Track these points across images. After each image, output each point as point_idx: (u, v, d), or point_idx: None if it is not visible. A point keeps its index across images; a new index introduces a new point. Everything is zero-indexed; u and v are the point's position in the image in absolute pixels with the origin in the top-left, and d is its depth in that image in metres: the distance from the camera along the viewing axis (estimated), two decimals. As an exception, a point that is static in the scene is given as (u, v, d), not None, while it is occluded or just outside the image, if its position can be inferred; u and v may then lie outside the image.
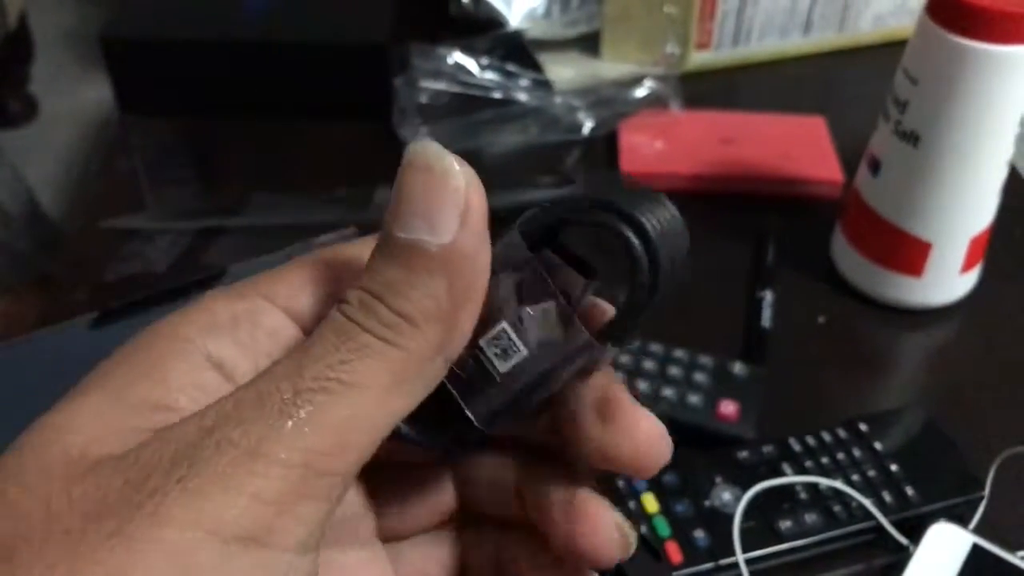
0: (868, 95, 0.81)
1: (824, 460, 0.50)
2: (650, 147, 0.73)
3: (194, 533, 0.18)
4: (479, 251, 0.21)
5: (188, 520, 0.18)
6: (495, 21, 0.81)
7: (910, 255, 0.59)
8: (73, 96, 1.83)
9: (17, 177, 1.08)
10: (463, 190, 0.21)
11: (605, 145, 0.75)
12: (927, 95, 0.55)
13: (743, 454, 0.50)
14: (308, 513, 0.20)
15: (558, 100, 0.76)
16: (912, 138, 0.56)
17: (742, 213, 0.69)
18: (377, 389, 0.20)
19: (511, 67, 0.78)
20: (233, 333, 0.22)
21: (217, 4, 0.76)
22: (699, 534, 0.47)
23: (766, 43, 0.84)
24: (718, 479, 0.49)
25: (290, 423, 0.20)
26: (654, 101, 0.77)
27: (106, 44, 0.72)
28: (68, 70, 1.90)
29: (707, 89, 0.81)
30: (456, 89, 0.77)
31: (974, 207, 0.58)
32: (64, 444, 0.19)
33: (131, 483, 0.18)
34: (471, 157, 0.76)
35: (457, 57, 0.77)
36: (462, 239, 0.21)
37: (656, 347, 0.56)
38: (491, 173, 0.74)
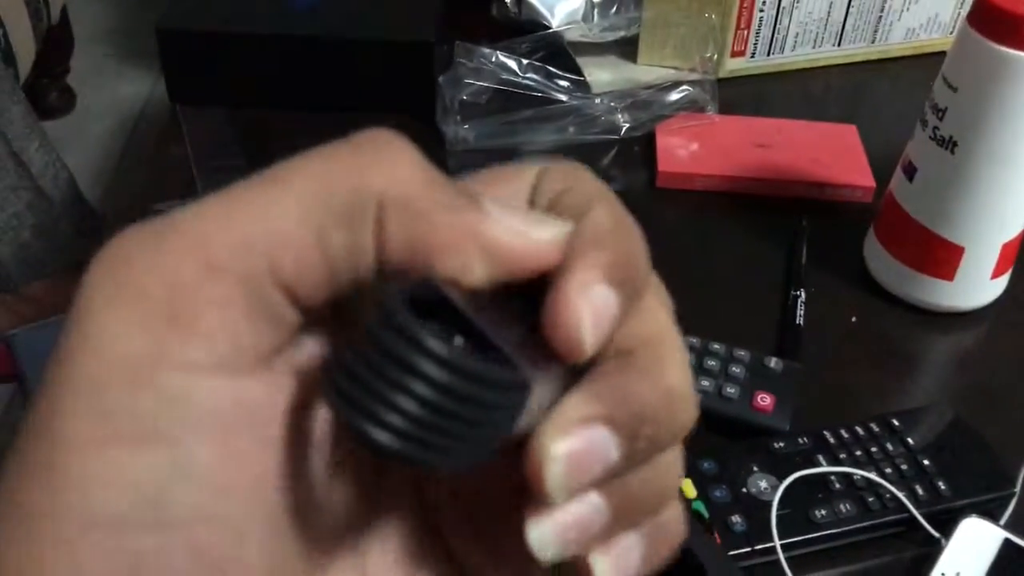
0: (898, 105, 0.83)
1: (857, 452, 0.51)
2: (686, 149, 0.75)
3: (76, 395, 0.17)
4: None
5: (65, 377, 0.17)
6: (536, 24, 0.83)
7: (942, 259, 0.61)
8: (110, 90, 1.86)
9: (59, 163, 1.10)
10: None
11: (642, 146, 0.77)
12: (966, 102, 0.56)
13: (779, 444, 0.52)
14: (209, 324, 0.17)
15: (597, 101, 0.78)
16: (949, 144, 0.57)
17: (776, 215, 0.71)
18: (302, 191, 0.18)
19: (551, 68, 0.79)
20: None
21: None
22: (736, 519, 0.48)
23: (799, 53, 0.85)
24: (755, 468, 0.51)
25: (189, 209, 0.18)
26: (690, 105, 0.78)
27: (161, 34, 0.74)
28: (106, 64, 1.94)
29: (741, 96, 0.83)
30: (497, 87, 0.79)
31: (1008, 213, 0.59)
32: None
33: None
34: (510, 155, 0.78)
35: (500, 57, 0.79)
36: None
37: (694, 340, 0.57)
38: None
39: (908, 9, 0.85)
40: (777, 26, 0.83)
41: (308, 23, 0.77)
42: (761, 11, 0.82)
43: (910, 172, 0.61)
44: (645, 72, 0.83)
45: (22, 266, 1.07)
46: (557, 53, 0.83)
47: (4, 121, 1.07)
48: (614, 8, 0.84)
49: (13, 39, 1.24)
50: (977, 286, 0.62)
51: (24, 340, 0.49)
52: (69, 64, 1.71)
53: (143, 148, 1.72)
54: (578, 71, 0.82)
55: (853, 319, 0.63)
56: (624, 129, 0.77)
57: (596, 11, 0.83)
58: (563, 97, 0.79)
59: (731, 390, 0.55)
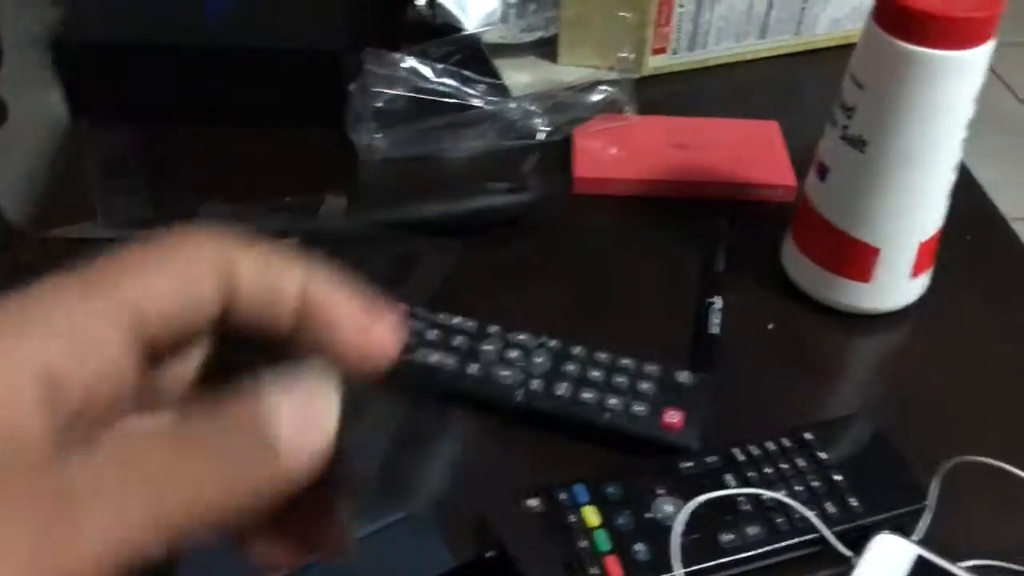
0: (823, 98, 0.81)
1: (767, 470, 0.50)
2: (604, 152, 0.73)
3: None
4: None
5: None
6: (451, 26, 0.81)
7: (858, 260, 0.59)
8: (42, 101, 1.81)
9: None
10: None
11: (560, 150, 0.75)
12: (873, 100, 0.54)
13: (686, 465, 0.50)
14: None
15: (513, 105, 0.75)
16: (859, 143, 0.56)
17: (694, 219, 0.69)
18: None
19: (467, 72, 0.77)
20: (72, 343, 0.20)
21: (171, 9, 0.75)
22: (639, 547, 0.46)
23: (723, 47, 0.83)
24: (660, 491, 0.49)
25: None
26: (609, 106, 0.76)
27: (56, 48, 0.71)
28: (37, 74, 1.88)
29: (663, 94, 0.81)
30: (411, 94, 0.76)
31: (922, 212, 0.58)
32: None
33: None
34: (426, 163, 0.75)
35: (412, 62, 0.76)
36: None
37: (603, 356, 0.55)
38: (446, 179, 0.74)
39: (832, -1, 0.83)
40: (699, 20, 0.81)
41: (213, 33, 0.74)
42: (681, 7, 0.80)
43: (822, 172, 0.59)
44: (566, 73, 0.81)
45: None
46: (473, 56, 0.80)
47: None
48: (532, 7, 0.82)
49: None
50: (896, 287, 0.60)
51: None
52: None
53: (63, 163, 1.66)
54: (495, 74, 0.79)
55: (770, 326, 0.61)
56: (542, 133, 0.75)
57: (513, 11, 0.81)
58: (479, 102, 0.76)
59: (639, 408, 0.53)
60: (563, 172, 0.73)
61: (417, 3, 0.80)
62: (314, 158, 0.75)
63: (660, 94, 0.80)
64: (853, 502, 0.48)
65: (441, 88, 0.76)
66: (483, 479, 0.51)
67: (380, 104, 0.76)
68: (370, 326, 0.23)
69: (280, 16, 0.76)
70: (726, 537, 0.47)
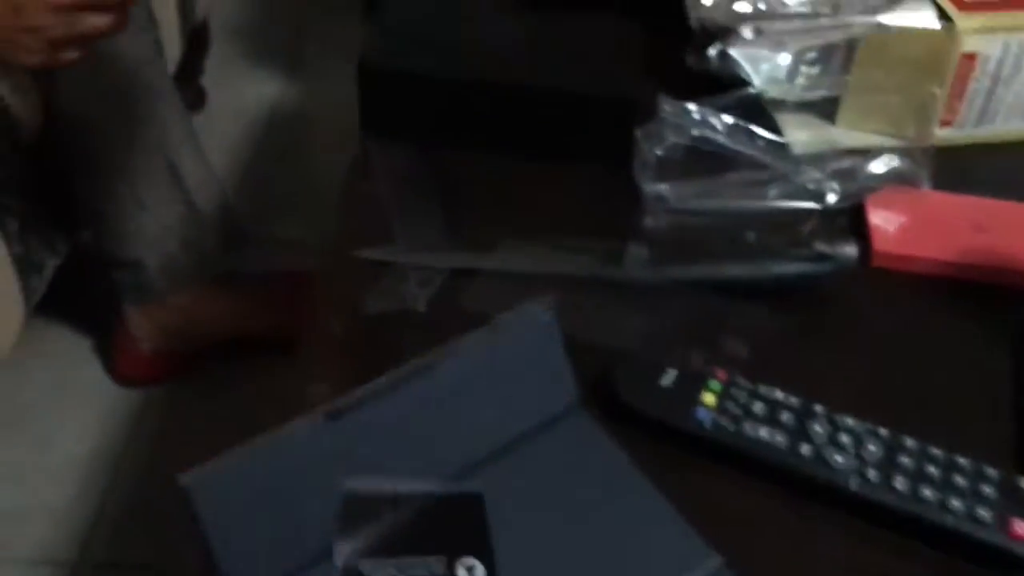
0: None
1: None
2: (901, 226, 0.71)
3: None
4: None
5: None
6: (737, 79, 0.80)
7: None
8: (238, 90, 1.87)
9: (211, 176, 1.10)
10: None
11: (846, 218, 0.74)
12: None
13: (1045, 583, 0.48)
14: None
15: (801, 168, 0.75)
16: None
17: (997, 304, 0.67)
18: None
19: (753, 127, 0.76)
20: None
21: (472, 41, 0.76)
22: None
23: (1011, 125, 0.81)
24: (1022, 607, 0.47)
25: None
26: (900, 177, 0.75)
27: (362, 69, 0.73)
28: (235, 64, 1.94)
29: (946, 168, 0.79)
30: (694, 145, 0.76)
31: None
32: None
33: None
34: (712, 218, 0.73)
35: (701, 113, 0.76)
36: None
37: (937, 451, 0.54)
38: (731, 241, 0.73)
39: None
40: (991, 96, 0.79)
41: (513, 70, 0.75)
42: (977, 82, 0.78)
43: None
44: (845, 135, 0.80)
45: (166, 277, 1.07)
46: (754, 110, 0.79)
47: (160, 128, 1.06)
48: (819, 68, 0.80)
49: (163, 38, 1.24)
50: None
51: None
52: (204, 63, 1.71)
53: (274, 153, 1.70)
54: (777, 130, 0.79)
55: (1098, 434, 0.59)
56: (831, 199, 0.74)
57: (803, 70, 0.80)
58: (762, 157, 0.75)
59: (983, 512, 0.51)
60: (850, 241, 0.71)
61: (709, 54, 0.79)
62: (600, 201, 0.75)
63: (943, 168, 0.78)
64: None
65: (726, 142, 0.76)
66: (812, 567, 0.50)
67: (662, 152, 0.75)
68: None
69: (575, 55, 0.77)
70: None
